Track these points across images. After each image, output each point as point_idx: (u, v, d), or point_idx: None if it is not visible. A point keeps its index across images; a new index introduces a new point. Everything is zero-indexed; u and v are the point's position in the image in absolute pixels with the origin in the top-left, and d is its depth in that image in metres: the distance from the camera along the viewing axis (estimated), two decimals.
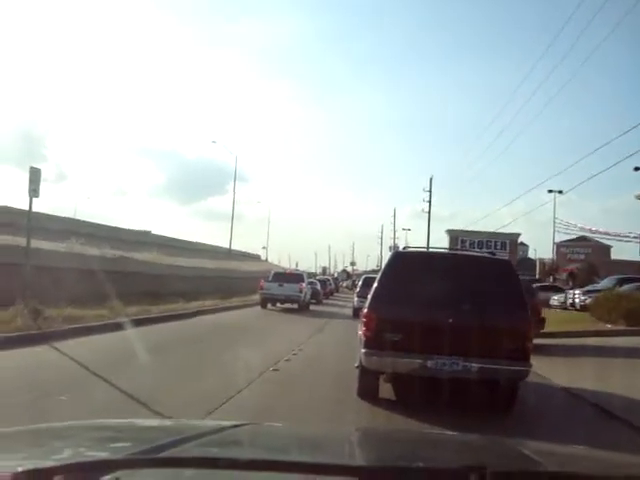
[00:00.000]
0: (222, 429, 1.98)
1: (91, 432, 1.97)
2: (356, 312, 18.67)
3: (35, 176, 11.67)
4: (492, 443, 2.20)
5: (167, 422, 2.68)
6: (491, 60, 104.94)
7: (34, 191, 11.73)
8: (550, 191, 42.50)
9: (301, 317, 21.13)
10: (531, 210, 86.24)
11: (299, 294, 23.92)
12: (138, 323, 12.84)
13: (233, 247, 53.21)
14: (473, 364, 6.34)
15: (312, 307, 26.72)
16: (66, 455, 1.54)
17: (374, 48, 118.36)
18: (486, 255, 8.83)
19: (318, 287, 32.87)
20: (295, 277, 25.43)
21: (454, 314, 6.37)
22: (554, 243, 50.10)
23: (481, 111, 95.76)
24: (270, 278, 24.50)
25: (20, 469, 1.19)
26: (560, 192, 43.11)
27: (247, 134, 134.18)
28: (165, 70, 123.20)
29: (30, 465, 1.26)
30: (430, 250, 8.78)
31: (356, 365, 7.23)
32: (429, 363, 6.39)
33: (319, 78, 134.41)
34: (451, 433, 3.45)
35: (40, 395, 6.02)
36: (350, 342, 9.47)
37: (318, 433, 2.52)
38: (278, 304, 24.28)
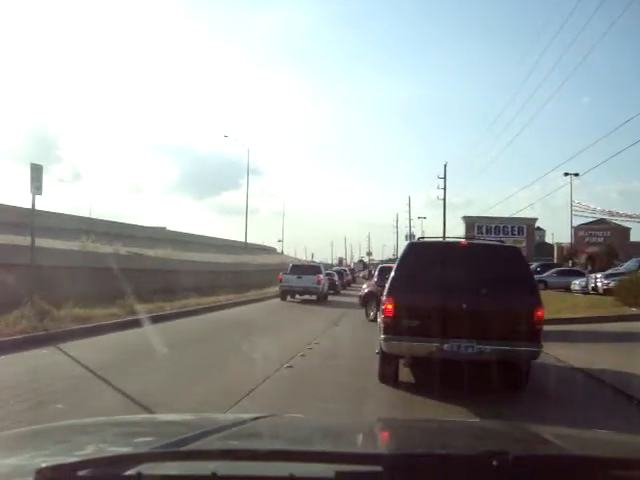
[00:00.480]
0: (243, 422, 1.97)
1: (113, 428, 1.99)
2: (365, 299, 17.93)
3: (37, 173, 11.30)
4: (513, 429, 2.19)
5: (188, 416, 2.67)
6: (502, 43, 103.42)
7: (37, 189, 11.37)
8: (566, 174, 41.75)
9: (321, 308, 21.25)
10: (547, 194, 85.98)
11: (317, 286, 24.25)
12: (149, 321, 12.44)
13: (249, 241, 53.14)
14: (486, 346, 6.66)
15: (330, 298, 27.01)
16: (89, 451, 1.57)
17: (385, 36, 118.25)
18: (496, 243, 9.24)
19: (335, 278, 33.10)
20: (312, 269, 25.74)
21: (467, 299, 6.71)
22: (572, 227, 48.79)
23: (494, 96, 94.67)
24: (288, 271, 24.82)
25: (44, 465, 1.19)
26: (576, 175, 42.52)
27: (259, 127, 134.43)
28: (175, 65, 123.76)
29: (54, 461, 1.26)
30: (443, 240, 9.19)
31: (377, 351, 7.65)
32: (445, 346, 6.71)
33: (329, 69, 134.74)
34: (472, 420, 3.43)
35: (33, 405, 5.62)
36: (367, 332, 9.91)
37: (338, 423, 2.56)
38: (297, 296, 24.65)
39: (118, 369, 7.82)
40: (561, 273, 32.93)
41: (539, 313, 6.84)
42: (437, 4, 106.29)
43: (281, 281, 24.51)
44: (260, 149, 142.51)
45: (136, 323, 12.26)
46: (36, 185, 11.35)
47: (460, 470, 1.24)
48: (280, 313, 19.18)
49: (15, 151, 70.37)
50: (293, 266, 26.03)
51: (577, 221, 50.13)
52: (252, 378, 7.30)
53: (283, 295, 24.50)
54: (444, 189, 48.06)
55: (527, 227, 60.14)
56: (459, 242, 8.27)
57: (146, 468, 1.22)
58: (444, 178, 47.72)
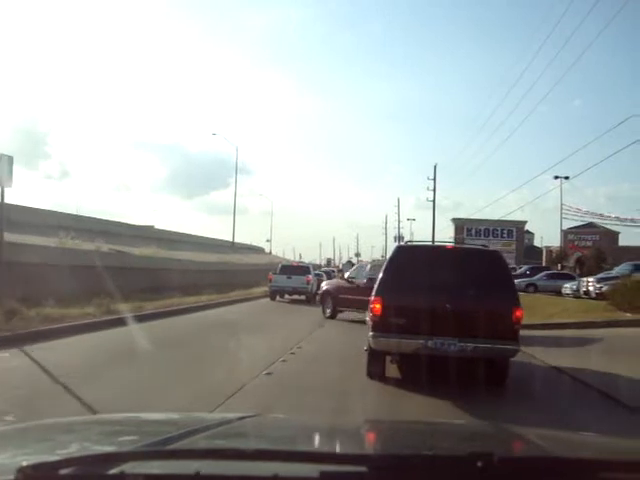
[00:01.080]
0: (228, 421, 1.97)
1: (97, 426, 1.99)
2: (323, 297, 18.36)
3: (7, 164, 10.64)
4: (499, 431, 2.21)
5: (173, 415, 2.56)
6: (493, 45, 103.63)
7: (7, 180, 10.71)
8: (556, 177, 42.85)
9: (308, 308, 21.13)
10: (537, 197, 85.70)
11: (306, 286, 24.41)
12: (126, 321, 11.63)
13: (237, 240, 52.48)
14: (468, 344, 7.05)
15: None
16: (72, 449, 1.56)
17: (377, 37, 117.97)
18: (478, 247, 9.75)
19: (324, 279, 32.50)
20: (302, 269, 25.88)
21: (451, 300, 7.06)
22: (561, 230, 48.84)
23: (485, 98, 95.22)
24: (278, 271, 24.86)
25: (25, 463, 1.17)
26: (566, 178, 42.83)
27: (250, 127, 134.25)
28: (165, 64, 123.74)
29: (36, 460, 1.23)
30: (429, 244, 9.59)
31: (365, 348, 7.97)
32: (429, 343, 7.09)
33: (320, 69, 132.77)
34: (458, 422, 3.32)
35: None
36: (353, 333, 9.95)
37: (324, 424, 2.54)
38: (286, 296, 24.85)
39: (83, 374, 7.21)
40: (551, 276, 32.56)
41: (518, 314, 7.21)
42: (429, 5, 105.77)
43: (271, 281, 24.53)
44: (250, 148, 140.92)
45: (111, 323, 11.70)
46: (6, 177, 10.70)
47: (445, 471, 1.24)
48: (265, 314, 18.56)
49: (2, 147, 69.68)
50: (282, 266, 26.08)
51: (566, 224, 50.09)
52: (226, 386, 6.72)
53: (272, 295, 24.56)
54: (434, 190, 47.90)
55: (517, 230, 60.14)
56: (444, 246, 8.76)
57: (130, 467, 1.20)
58: (434, 179, 47.63)
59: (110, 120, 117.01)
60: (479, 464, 1.16)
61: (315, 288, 26.76)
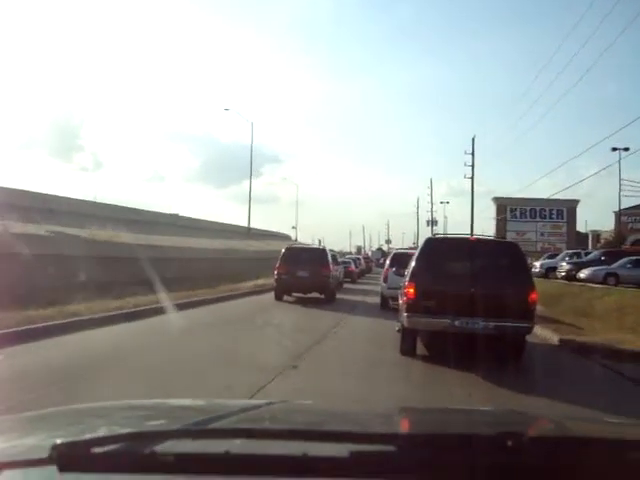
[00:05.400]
0: (257, 407, 2.29)
1: (126, 411, 2.19)
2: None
3: None
4: (527, 416, 2.57)
5: (201, 402, 2.83)
6: (526, 28, 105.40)
7: None
8: (614, 149, 38.89)
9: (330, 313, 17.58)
10: (600, 169, 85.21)
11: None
12: (65, 328, 10.59)
13: (266, 227, 53.52)
14: (490, 323, 9.11)
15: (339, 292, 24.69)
16: (103, 432, 1.74)
17: (405, 21, 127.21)
18: (498, 239, 13.55)
19: (352, 266, 34.85)
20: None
21: (475, 285, 9.26)
22: (619, 210, 46.67)
23: (516, 83, 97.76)
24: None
25: (59, 441, 1.32)
26: (626, 149, 38.55)
27: (280, 115, 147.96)
28: (196, 54, 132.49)
29: (68, 439, 1.39)
30: (455, 236, 11.86)
31: (397, 329, 10.78)
32: (456, 322, 9.21)
33: (350, 55, 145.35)
34: (485, 408, 4.03)
35: None
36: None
37: (354, 409, 2.93)
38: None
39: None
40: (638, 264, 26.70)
41: (533, 296, 9.44)
42: None
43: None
44: (280, 137, 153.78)
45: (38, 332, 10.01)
46: None
47: (475, 450, 1.36)
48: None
49: (37, 140, 77.18)
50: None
51: (614, 205, 47.44)
52: None
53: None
54: (472, 166, 47.81)
55: (567, 210, 58.97)
56: (468, 238, 11.26)
57: (161, 447, 1.33)
58: (472, 154, 47.75)
59: (143, 112, 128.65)
60: (509, 443, 1.30)
61: (338, 280, 25.41)
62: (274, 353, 9.59)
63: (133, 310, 13.80)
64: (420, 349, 10.27)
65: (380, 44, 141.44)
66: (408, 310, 9.59)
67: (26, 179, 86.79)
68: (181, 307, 15.07)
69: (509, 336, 9.48)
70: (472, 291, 9.20)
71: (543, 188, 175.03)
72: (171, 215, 45.93)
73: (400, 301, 11.18)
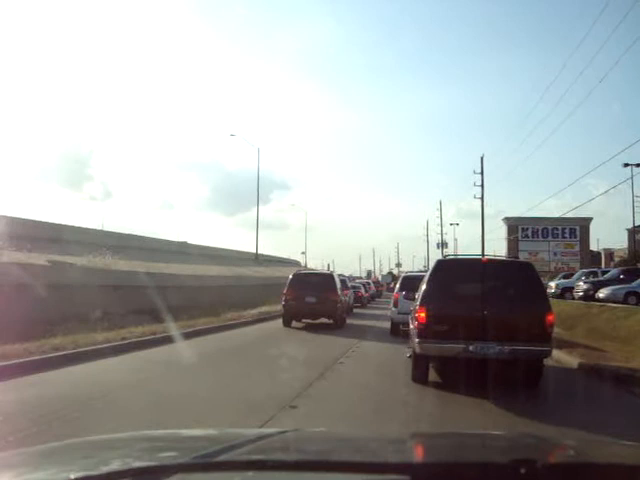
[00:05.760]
0: (269, 435, 2.25)
1: (139, 443, 2.18)
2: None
3: None
4: (540, 440, 2.52)
5: (213, 431, 2.89)
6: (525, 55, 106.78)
7: None
8: (626, 165, 37.66)
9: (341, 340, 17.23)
10: (611, 187, 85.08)
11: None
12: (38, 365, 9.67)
13: (276, 254, 53.50)
14: (505, 347, 8.70)
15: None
16: (116, 465, 1.69)
17: (410, 50, 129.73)
18: (511, 259, 12.54)
19: (362, 290, 34.81)
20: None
21: (488, 307, 8.88)
22: (633, 227, 45.15)
23: (521, 107, 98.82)
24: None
25: (73, 476, 1.32)
26: (638, 165, 36.98)
27: (288, 142, 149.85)
28: (205, 81, 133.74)
29: (81, 475, 1.40)
30: (466, 257, 11.28)
31: (408, 355, 10.25)
32: (470, 347, 8.77)
33: (358, 82, 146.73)
34: (498, 432, 3.86)
35: None
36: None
37: (366, 436, 2.83)
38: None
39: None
40: None
41: (550, 317, 9.00)
42: (466, 10, 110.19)
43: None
44: (289, 164, 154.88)
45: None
46: None
47: (488, 478, 1.37)
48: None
49: (48, 171, 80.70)
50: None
51: (626, 223, 47.16)
52: None
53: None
54: (482, 186, 47.26)
55: (580, 228, 58.45)
56: (480, 259, 10.49)
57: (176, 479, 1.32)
58: (481, 173, 47.24)
59: (151, 141, 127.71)
60: (522, 471, 1.29)
61: (349, 305, 25.24)
62: (271, 390, 8.75)
63: (120, 343, 12.79)
64: (432, 375, 9.86)
65: (387, 70, 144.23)
66: (420, 335, 9.17)
67: (38, 209, 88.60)
68: (178, 338, 14.28)
69: (526, 360, 8.98)
70: (486, 314, 8.85)
71: (551, 208, 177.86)
72: (179, 243, 45.69)
73: (411, 326, 10.76)
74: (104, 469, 1.56)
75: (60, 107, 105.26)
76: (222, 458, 1.63)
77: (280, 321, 20.91)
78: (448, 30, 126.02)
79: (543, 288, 10.03)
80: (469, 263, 10.44)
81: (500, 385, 8.55)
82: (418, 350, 9.26)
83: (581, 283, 29.43)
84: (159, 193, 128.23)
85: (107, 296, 17.61)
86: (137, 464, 1.66)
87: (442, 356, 9.40)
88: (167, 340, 13.81)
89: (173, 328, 15.02)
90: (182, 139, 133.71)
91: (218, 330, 18.07)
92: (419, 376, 9.53)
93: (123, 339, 13.12)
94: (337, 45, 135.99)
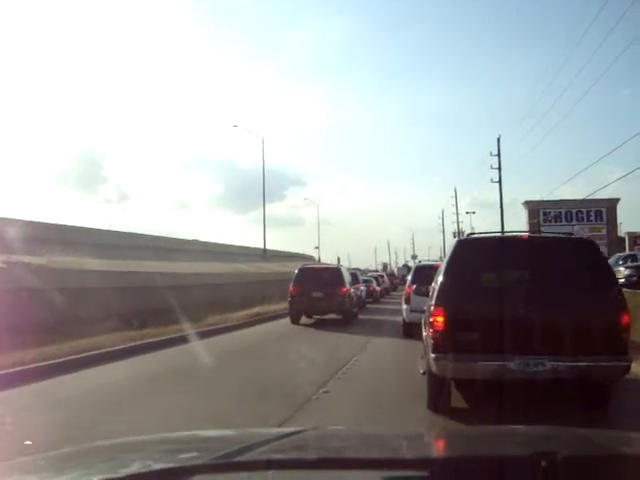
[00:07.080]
0: (287, 435, 2.16)
1: (158, 445, 2.20)
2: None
3: None
4: (560, 432, 2.38)
5: (230, 432, 2.85)
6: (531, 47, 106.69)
7: None
8: None
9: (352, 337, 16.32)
10: (629, 172, 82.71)
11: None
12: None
13: (292, 249, 52.70)
14: (561, 362, 6.27)
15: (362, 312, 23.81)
16: (135, 468, 1.70)
17: (415, 43, 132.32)
18: (564, 236, 8.32)
19: (374, 284, 34.78)
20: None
21: (534, 306, 6.31)
22: None
23: (531, 96, 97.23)
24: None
25: (94, 479, 1.45)
26: None
27: (301, 138, 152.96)
28: (216, 81, 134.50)
29: (102, 478, 1.48)
30: (497, 234, 8.65)
31: (421, 372, 7.63)
32: (512, 365, 6.24)
33: (369, 78, 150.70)
34: (517, 426, 3.32)
35: None
36: None
37: (385, 433, 2.74)
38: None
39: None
40: None
41: (625, 318, 6.47)
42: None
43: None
44: (303, 160, 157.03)
45: None
46: None
47: (509, 471, 1.37)
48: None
49: (62, 174, 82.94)
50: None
51: None
52: None
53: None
54: (499, 169, 46.09)
55: (607, 210, 55.98)
56: (518, 236, 7.65)
57: None
58: (498, 154, 45.97)
59: (164, 141, 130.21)
60: (543, 463, 1.31)
61: (360, 299, 24.32)
62: (268, 402, 7.79)
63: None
64: (456, 399, 7.32)
65: (397, 65, 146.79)
66: (436, 349, 6.54)
67: (53, 213, 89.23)
68: (163, 344, 13.40)
69: (593, 380, 6.59)
70: (530, 315, 6.25)
71: (566, 195, 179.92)
72: (190, 241, 45.90)
73: (424, 332, 7.99)
74: (124, 472, 1.58)
75: (73, 110, 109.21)
76: (241, 458, 1.63)
77: (281, 321, 20.27)
78: (453, 27, 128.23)
79: (613, 275, 7.21)
80: (503, 243, 7.67)
81: (553, 411, 6.45)
82: (434, 369, 6.67)
83: (621, 268, 26.37)
84: (173, 193, 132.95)
85: (70, 300, 15.69)
86: (157, 466, 1.70)
87: (469, 378, 6.88)
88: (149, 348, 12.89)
89: (155, 334, 14.17)
90: (194, 138, 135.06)
91: (209, 334, 15.58)
92: (437, 404, 6.95)
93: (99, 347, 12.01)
94: (348, 41, 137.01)
